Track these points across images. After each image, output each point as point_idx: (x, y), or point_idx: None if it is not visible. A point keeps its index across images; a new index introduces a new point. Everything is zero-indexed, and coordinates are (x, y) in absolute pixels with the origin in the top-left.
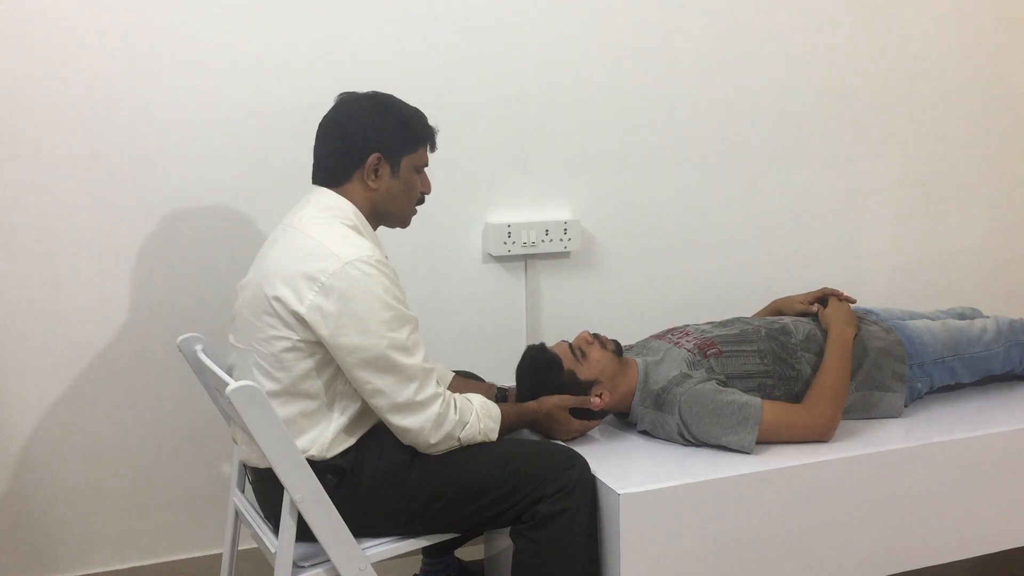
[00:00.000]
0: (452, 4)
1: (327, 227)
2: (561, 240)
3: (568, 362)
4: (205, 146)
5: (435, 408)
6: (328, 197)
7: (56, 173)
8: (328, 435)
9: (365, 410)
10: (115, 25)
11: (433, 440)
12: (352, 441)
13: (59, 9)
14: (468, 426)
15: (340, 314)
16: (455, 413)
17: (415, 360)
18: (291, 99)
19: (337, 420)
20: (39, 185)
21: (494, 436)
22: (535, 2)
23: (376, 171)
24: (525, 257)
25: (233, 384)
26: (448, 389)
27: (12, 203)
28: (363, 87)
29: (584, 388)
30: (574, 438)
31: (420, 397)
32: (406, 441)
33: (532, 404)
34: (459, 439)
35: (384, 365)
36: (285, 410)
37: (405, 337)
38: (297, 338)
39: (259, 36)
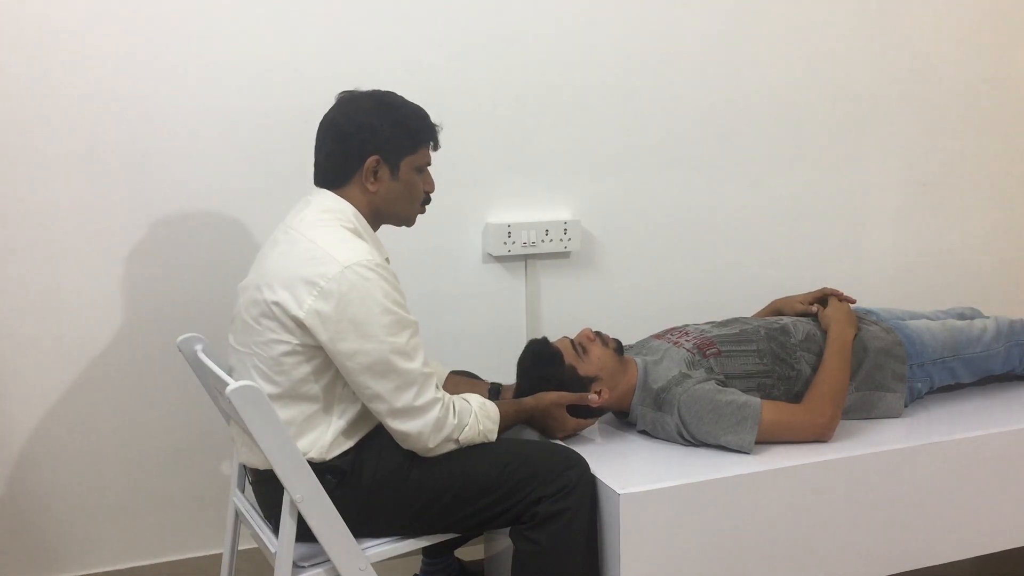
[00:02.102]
0: (452, 5)
1: (327, 230)
2: (561, 240)
3: (569, 357)
4: (205, 146)
5: (434, 413)
6: (328, 199)
7: (56, 173)
8: (327, 438)
9: (365, 413)
10: (115, 25)
11: (432, 444)
12: (351, 444)
13: (59, 10)
14: (467, 428)
15: (339, 319)
16: (454, 417)
17: (415, 364)
18: (292, 100)
19: (336, 423)
20: (39, 185)
21: (493, 437)
22: (535, 3)
23: (375, 173)
24: (525, 257)
25: (233, 384)
26: (443, 387)
27: (12, 203)
28: (363, 87)
29: (584, 384)
30: (570, 436)
31: (419, 402)
32: (405, 446)
33: (529, 400)
34: (458, 441)
35: (383, 370)
36: (284, 413)
37: (405, 341)
38: (296, 342)
39: (259, 36)
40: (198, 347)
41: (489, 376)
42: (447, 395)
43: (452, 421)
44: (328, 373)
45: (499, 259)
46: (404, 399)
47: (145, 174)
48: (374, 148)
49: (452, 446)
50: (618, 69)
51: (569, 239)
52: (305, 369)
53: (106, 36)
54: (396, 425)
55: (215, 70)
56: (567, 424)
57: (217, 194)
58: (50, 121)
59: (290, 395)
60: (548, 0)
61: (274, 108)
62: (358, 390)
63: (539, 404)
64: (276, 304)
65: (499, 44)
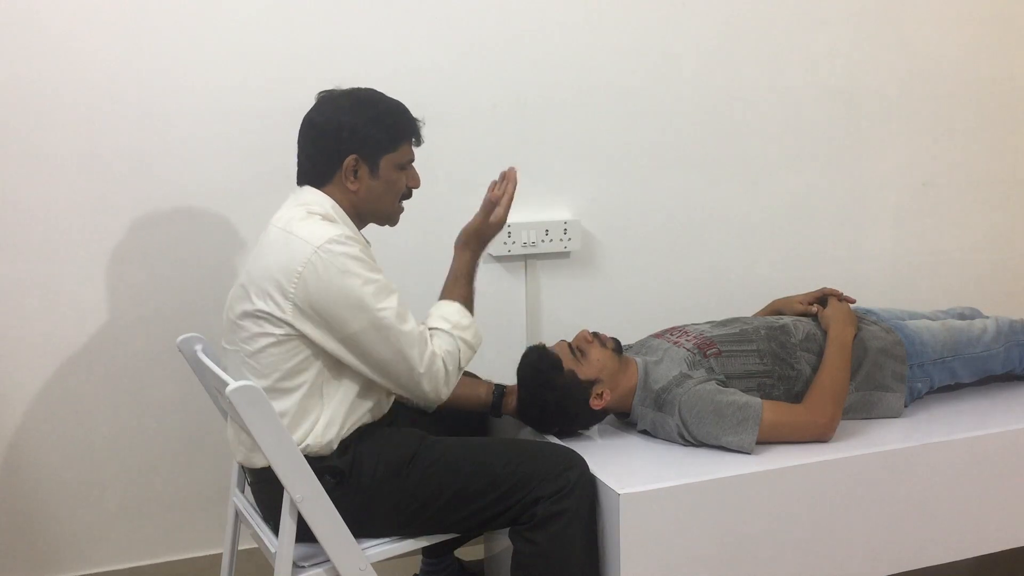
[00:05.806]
0: (452, 5)
1: (300, 220)
2: (561, 240)
3: (568, 362)
4: (205, 146)
5: (437, 366)
6: (307, 194)
7: (56, 173)
8: (319, 429)
9: (355, 403)
10: (115, 25)
11: (444, 395)
12: (347, 437)
13: (58, 9)
14: (461, 354)
15: (322, 299)
16: (450, 363)
17: (409, 326)
18: (291, 100)
19: (327, 415)
20: (39, 185)
21: (477, 331)
22: (535, 2)
23: (355, 172)
24: (525, 257)
25: (233, 384)
26: None
27: (12, 203)
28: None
29: (585, 387)
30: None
31: (423, 367)
32: (420, 403)
33: (459, 265)
34: (460, 365)
35: (380, 338)
36: (275, 407)
37: (396, 305)
38: (280, 333)
39: (259, 37)
40: (198, 347)
41: (490, 376)
42: (434, 345)
43: (448, 368)
44: (313, 364)
45: (499, 259)
46: (408, 363)
47: (144, 174)
48: (352, 147)
49: (459, 375)
50: (618, 69)
51: (569, 239)
52: (291, 362)
53: (106, 36)
54: (409, 388)
55: (215, 70)
56: (491, 231)
57: (217, 194)
58: (50, 121)
59: (277, 388)
60: (548, 0)
61: (275, 107)
62: (359, 365)
63: (468, 252)
64: (259, 299)
65: (499, 44)
